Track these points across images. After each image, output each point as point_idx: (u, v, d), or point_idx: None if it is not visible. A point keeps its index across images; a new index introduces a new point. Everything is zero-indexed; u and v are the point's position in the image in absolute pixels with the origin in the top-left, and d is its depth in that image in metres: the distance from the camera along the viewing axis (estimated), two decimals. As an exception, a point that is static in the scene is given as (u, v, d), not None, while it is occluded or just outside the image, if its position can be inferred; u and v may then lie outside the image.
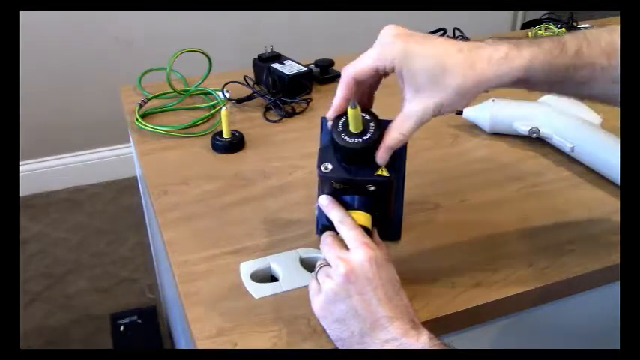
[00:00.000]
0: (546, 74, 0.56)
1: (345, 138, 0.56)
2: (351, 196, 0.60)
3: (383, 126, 0.58)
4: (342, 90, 0.58)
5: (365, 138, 0.56)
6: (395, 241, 0.68)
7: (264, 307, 0.63)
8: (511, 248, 0.71)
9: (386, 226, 0.63)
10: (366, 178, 0.58)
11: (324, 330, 0.59)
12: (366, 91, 0.61)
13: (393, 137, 0.57)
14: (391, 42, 0.56)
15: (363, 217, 0.59)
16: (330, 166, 0.58)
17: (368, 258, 0.55)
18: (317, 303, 0.58)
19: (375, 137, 0.56)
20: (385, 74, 0.58)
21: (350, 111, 0.56)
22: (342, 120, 0.57)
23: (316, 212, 0.63)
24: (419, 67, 0.55)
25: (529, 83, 0.57)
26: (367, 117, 0.57)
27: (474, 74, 0.54)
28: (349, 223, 0.58)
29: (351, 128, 0.56)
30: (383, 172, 0.57)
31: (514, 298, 0.65)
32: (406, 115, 0.57)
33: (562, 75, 0.56)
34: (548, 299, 0.69)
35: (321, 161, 0.59)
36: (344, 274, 0.55)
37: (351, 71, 0.58)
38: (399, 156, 0.59)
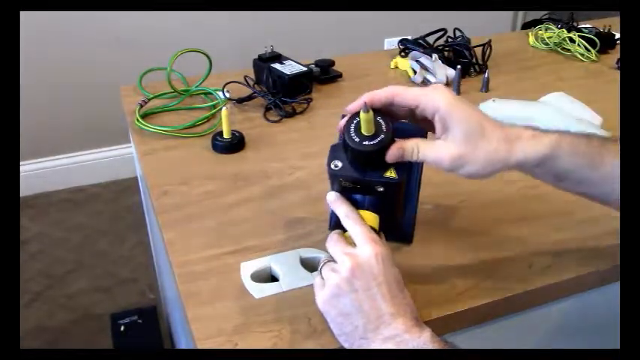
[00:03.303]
0: (573, 152, 0.58)
1: (356, 139, 0.56)
2: (360, 196, 0.60)
3: (396, 129, 0.58)
4: (378, 94, 0.58)
5: (375, 142, 0.56)
6: (406, 244, 0.70)
7: (264, 307, 0.63)
8: (511, 248, 0.71)
9: (394, 228, 0.63)
10: (374, 179, 0.58)
11: (324, 330, 0.59)
12: (392, 115, 0.61)
13: (409, 150, 0.57)
14: (442, 92, 0.58)
15: (371, 217, 0.59)
16: (339, 164, 0.58)
17: (374, 254, 0.56)
18: (321, 297, 0.58)
19: (385, 142, 0.56)
20: (420, 116, 0.59)
21: (362, 114, 0.56)
22: (355, 121, 0.57)
23: (330, 208, 0.64)
24: (460, 120, 0.56)
25: (554, 162, 0.58)
26: (381, 120, 0.57)
27: (506, 147, 0.57)
28: (355, 219, 0.58)
29: (363, 130, 0.56)
30: (392, 174, 0.57)
31: (514, 299, 0.65)
32: (436, 148, 0.58)
33: (587, 161, 0.59)
34: (548, 299, 0.69)
35: (331, 158, 0.59)
36: (350, 269, 0.55)
37: (397, 89, 0.59)
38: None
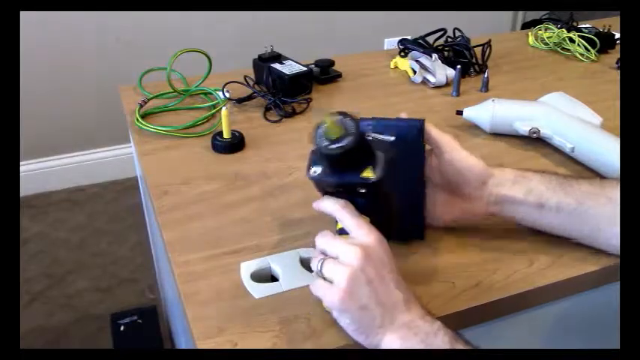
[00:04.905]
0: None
1: (324, 143, 0.56)
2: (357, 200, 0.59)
3: (390, 126, 0.58)
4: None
5: (340, 144, 0.55)
6: (419, 240, 0.71)
7: (264, 307, 0.63)
8: (511, 248, 0.71)
9: (390, 230, 0.63)
10: (351, 180, 0.57)
11: (324, 329, 0.59)
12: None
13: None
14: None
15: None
16: (318, 169, 0.58)
17: (379, 240, 0.56)
18: (334, 296, 0.54)
19: (351, 145, 0.55)
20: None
21: (327, 119, 0.56)
22: (323, 125, 0.57)
23: None
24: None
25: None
26: (347, 121, 0.57)
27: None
28: (352, 211, 0.58)
29: (330, 134, 0.56)
30: (369, 174, 0.56)
31: (514, 298, 0.65)
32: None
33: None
34: (548, 299, 0.69)
35: (310, 164, 0.59)
36: (361, 257, 0.54)
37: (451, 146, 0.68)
38: (411, 154, 0.59)
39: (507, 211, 0.68)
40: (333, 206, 0.59)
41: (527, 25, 2.41)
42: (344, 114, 0.57)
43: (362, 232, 0.56)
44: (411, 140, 0.67)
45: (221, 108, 0.92)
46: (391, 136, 0.64)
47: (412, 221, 0.70)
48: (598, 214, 0.64)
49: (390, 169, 0.57)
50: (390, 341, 0.54)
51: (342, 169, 0.57)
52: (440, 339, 0.53)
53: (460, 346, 0.53)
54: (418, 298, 0.57)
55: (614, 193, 0.64)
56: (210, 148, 0.91)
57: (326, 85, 1.13)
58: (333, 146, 0.55)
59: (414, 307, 0.55)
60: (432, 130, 0.67)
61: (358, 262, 0.54)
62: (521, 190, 0.66)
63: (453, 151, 0.67)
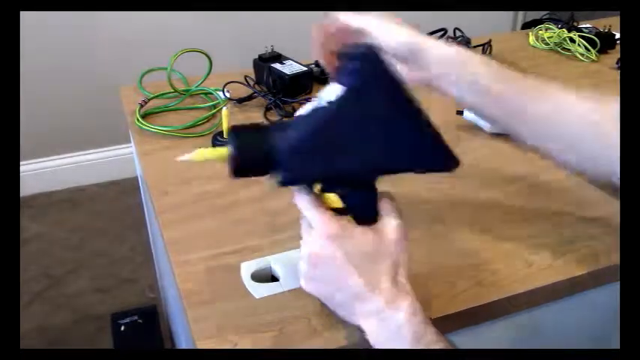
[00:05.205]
0: None
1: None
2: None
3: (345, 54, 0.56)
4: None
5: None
6: (456, 168, 0.58)
7: (264, 307, 0.63)
8: (511, 248, 0.71)
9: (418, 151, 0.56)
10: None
11: (324, 329, 0.59)
12: None
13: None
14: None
15: (333, 197, 0.56)
16: (278, 175, 0.55)
17: (326, 235, 0.53)
18: (302, 283, 0.56)
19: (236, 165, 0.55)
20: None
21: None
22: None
23: None
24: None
25: None
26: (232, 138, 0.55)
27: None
28: (304, 206, 0.56)
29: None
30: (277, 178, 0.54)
31: (514, 298, 0.65)
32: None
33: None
34: (548, 299, 0.69)
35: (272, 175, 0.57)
36: (308, 262, 0.55)
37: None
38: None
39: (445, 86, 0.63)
40: (301, 207, 0.57)
41: (527, 25, 2.41)
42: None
43: (311, 229, 0.55)
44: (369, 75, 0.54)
45: (221, 108, 0.92)
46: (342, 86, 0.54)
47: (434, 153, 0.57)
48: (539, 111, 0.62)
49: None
50: (368, 326, 0.54)
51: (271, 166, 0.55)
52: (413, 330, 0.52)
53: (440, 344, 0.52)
54: (418, 298, 0.57)
55: (562, 95, 0.62)
56: (210, 148, 0.91)
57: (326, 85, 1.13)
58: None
59: (377, 295, 0.53)
60: (352, 20, 0.63)
61: (307, 264, 0.55)
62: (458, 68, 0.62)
63: (380, 36, 0.63)
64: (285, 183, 0.55)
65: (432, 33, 1.24)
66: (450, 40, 1.22)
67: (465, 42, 1.20)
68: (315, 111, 0.55)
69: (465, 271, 0.68)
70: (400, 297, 0.53)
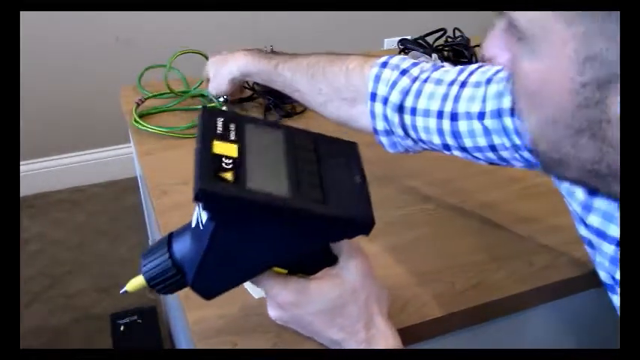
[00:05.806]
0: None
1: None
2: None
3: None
4: None
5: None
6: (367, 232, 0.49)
7: (264, 308, 0.62)
8: (511, 248, 0.71)
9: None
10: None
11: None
12: None
13: None
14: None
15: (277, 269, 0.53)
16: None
17: (282, 305, 0.53)
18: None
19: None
20: None
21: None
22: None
23: None
24: None
25: None
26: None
27: None
28: (259, 282, 0.54)
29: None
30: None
31: (514, 298, 0.65)
32: None
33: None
34: (549, 299, 0.69)
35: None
36: (278, 320, 0.55)
37: None
38: None
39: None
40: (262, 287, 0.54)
41: (527, 25, 2.41)
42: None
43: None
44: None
45: (221, 108, 0.92)
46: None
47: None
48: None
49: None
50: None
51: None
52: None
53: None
54: (418, 298, 0.57)
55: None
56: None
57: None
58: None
59: (352, 343, 0.52)
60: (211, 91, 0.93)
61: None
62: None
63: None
64: (208, 298, 0.54)
65: (432, 33, 1.24)
66: (449, 39, 1.22)
67: (465, 42, 1.20)
68: (197, 232, 0.51)
69: (465, 271, 0.68)
70: (376, 340, 0.52)
